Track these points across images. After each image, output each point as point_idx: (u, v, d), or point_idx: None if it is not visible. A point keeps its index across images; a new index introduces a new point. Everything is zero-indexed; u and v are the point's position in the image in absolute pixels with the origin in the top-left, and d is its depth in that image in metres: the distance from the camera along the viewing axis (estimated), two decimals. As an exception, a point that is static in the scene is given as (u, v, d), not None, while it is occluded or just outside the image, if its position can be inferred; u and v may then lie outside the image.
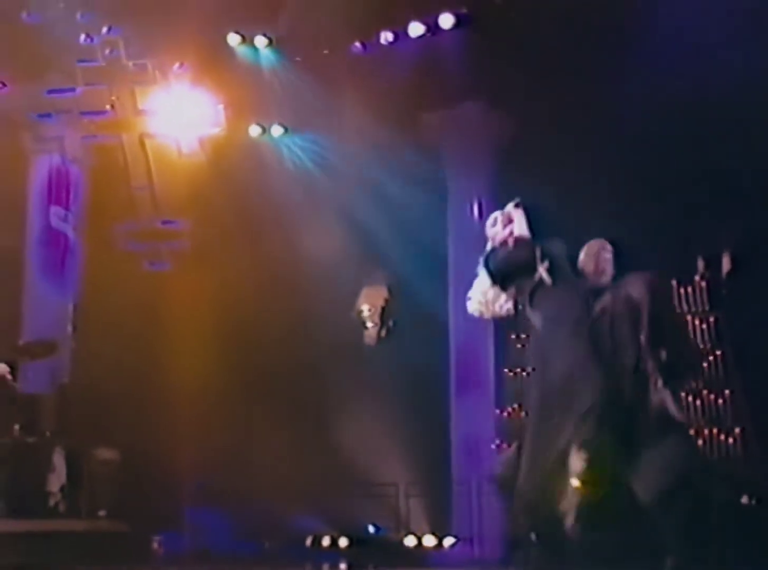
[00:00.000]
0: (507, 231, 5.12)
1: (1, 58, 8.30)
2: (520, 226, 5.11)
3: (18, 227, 8.88)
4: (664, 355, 4.85)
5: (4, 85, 8.68)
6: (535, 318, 5.04)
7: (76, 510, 7.51)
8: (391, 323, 8.31)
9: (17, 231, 8.86)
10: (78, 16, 8.19)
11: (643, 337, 4.85)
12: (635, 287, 5.00)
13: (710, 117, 6.94)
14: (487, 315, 5.23)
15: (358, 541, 7.91)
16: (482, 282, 5.15)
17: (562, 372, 4.83)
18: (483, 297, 5.15)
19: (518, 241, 5.10)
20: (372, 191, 8.31)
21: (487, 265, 5.12)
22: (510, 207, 5.19)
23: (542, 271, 5.03)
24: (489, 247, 5.19)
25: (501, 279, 5.10)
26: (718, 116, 6.91)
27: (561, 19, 7.26)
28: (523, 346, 7.89)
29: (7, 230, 8.61)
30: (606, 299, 5.00)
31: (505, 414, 7.86)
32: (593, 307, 4.97)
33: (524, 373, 7.80)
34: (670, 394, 4.84)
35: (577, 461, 4.72)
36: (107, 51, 8.45)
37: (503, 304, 5.17)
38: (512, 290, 5.14)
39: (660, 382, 4.83)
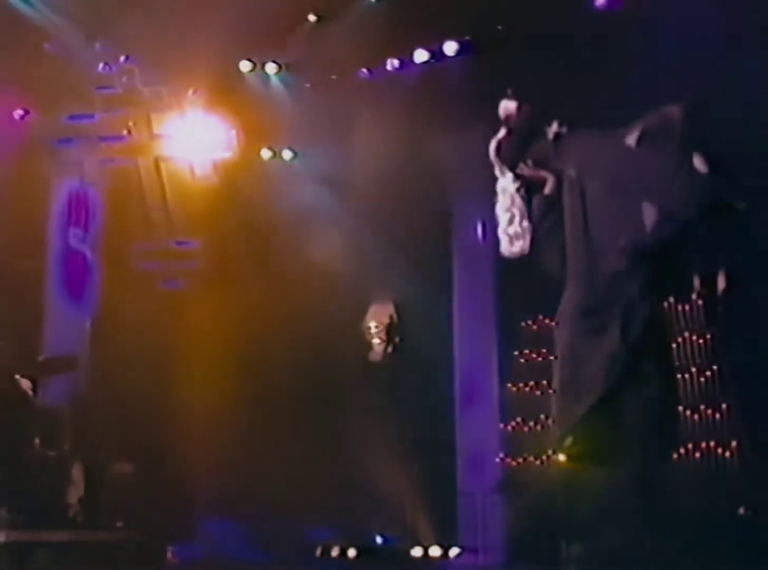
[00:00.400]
0: (510, 124, 5.12)
1: (25, 86, 8.50)
2: (518, 104, 5.11)
3: (39, 248, 9.09)
4: (700, 163, 4.80)
5: (27, 112, 8.90)
6: (569, 171, 4.94)
7: (94, 521, 7.72)
8: (397, 340, 8.50)
9: (39, 252, 9.07)
10: (97, 45, 8.40)
11: (676, 154, 4.82)
12: (672, 108, 4.95)
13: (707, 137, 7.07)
14: (516, 252, 5.23)
15: (366, 551, 8.03)
16: (502, 222, 5.22)
17: (610, 224, 4.79)
18: (511, 232, 5.20)
19: (519, 111, 5.09)
20: (379, 212, 8.45)
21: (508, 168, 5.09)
22: (504, 102, 5.19)
23: (553, 127, 5.03)
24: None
25: (517, 155, 5.04)
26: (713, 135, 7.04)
27: (562, 45, 7.35)
28: (526, 360, 8.09)
29: (30, 251, 8.86)
30: (636, 128, 4.93)
31: (509, 428, 7.99)
32: (626, 144, 4.89)
33: (526, 388, 8.03)
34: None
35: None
36: (124, 78, 8.67)
37: (526, 232, 5.19)
38: (529, 164, 5.09)
39: (703, 193, 4.84)
